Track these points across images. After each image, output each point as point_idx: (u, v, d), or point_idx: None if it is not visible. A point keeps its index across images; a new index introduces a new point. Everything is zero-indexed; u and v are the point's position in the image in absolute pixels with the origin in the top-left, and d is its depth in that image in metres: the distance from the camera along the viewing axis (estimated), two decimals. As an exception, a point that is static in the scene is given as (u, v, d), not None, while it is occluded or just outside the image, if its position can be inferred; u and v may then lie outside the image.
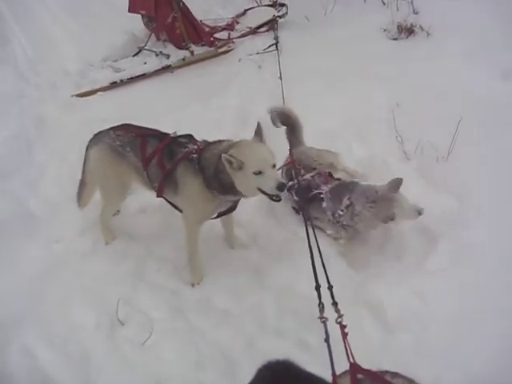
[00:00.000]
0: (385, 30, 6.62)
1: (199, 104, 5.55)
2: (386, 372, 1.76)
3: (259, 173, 2.91)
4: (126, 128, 3.58)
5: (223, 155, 2.92)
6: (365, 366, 1.79)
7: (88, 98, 6.18)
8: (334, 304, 2.24)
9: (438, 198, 3.74)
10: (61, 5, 10.01)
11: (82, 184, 3.77)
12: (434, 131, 4.11)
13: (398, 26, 6.53)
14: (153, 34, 7.21)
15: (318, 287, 2.37)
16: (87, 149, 3.63)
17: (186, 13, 6.94)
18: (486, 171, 3.78)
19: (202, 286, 3.35)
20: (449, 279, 3.05)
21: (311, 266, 2.54)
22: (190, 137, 3.41)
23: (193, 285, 3.37)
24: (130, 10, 7.04)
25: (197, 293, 3.29)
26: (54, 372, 2.82)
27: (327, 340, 1.99)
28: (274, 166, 3.00)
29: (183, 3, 6.88)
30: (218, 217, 3.38)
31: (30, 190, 4.41)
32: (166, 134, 3.50)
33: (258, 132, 3.13)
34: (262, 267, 3.34)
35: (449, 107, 4.34)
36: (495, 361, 2.54)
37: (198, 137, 3.46)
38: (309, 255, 3.38)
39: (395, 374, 1.75)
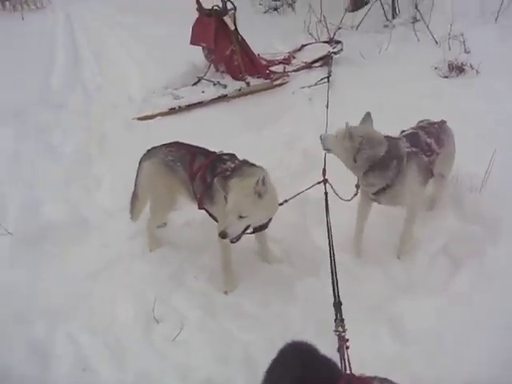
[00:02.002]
0: (436, 68, 6.80)
1: (252, 133, 5.86)
2: (375, 378, 1.94)
3: None
4: (177, 145, 3.92)
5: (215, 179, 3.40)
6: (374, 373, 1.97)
7: (148, 121, 6.61)
8: (340, 320, 2.41)
9: (467, 226, 3.90)
10: (130, 35, 10.77)
11: (134, 196, 4.08)
12: (473, 163, 4.21)
13: (448, 65, 6.72)
14: (212, 65, 7.64)
15: (335, 304, 2.56)
16: (140, 162, 3.98)
17: (243, 46, 7.36)
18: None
19: (234, 293, 3.58)
20: (468, 302, 3.18)
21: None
22: (232, 155, 3.70)
23: (226, 292, 3.60)
24: (191, 42, 7.52)
25: (229, 299, 3.53)
26: (93, 358, 3.10)
27: (339, 350, 2.17)
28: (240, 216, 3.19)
29: (242, 37, 7.30)
30: (252, 232, 3.61)
31: (87, 198, 4.81)
32: (213, 152, 3.79)
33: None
34: (291, 280, 3.54)
35: (489, 139, 4.46)
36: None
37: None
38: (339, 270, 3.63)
39: (384, 380, 1.92)
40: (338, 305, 2.53)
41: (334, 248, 3.85)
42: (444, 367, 2.80)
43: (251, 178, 3.23)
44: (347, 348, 2.20)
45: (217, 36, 7.17)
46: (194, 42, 7.52)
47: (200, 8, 7.38)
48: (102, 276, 3.76)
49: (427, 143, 3.73)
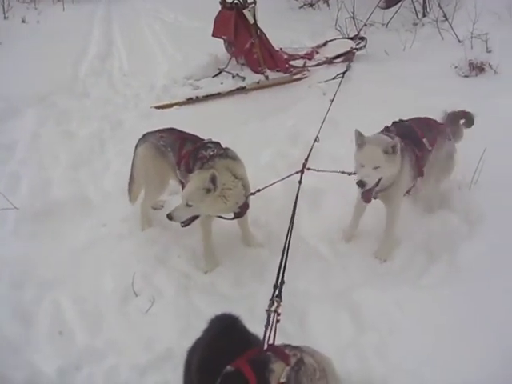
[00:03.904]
0: (456, 67, 6.77)
1: (258, 122, 6.03)
2: (288, 346, 2.09)
3: None
4: (169, 131, 4.13)
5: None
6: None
7: (164, 110, 6.83)
8: (277, 298, 2.54)
9: (451, 222, 3.97)
10: (166, 29, 11.07)
11: (131, 179, 4.30)
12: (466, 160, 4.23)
13: (469, 64, 6.68)
14: (233, 58, 7.80)
15: (275, 285, 2.68)
16: (136, 147, 4.20)
17: (263, 40, 7.50)
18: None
19: (212, 273, 3.77)
20: (433, 295, 3.27)
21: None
22: (217, 144, 3.88)
23: (206, 272, 3.79)
24: (213, 35, 7.73)
25: (206, 278, 3.73)
26: (70, 323, 3.38)
27: (266, 326, 2.30)
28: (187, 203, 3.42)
29: (261, 31, 7.44)
30: (232, 218, 3.80)
31: (93, 180, 5.08)
32: (201, 140, 3.98)
33: None
34: (267, 264, 3.69)
35: (497, 142, 4.43)
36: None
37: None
38: (310, 257, 3.77)
39: (296, 348, 2.07)
40: (278, 285, 2.64)
41: (319, 237, 4.06)
42: (395, 357, 2.89)
43: (208, 172, 3.40)
44: (278, 322, 2.34)
45: (236, 29, 7.34)
46: (215, 34, 7.72)
47: (222, 1, 7.56)
48: (93, 251, 4.02)
49: (418, 137, 3.73)
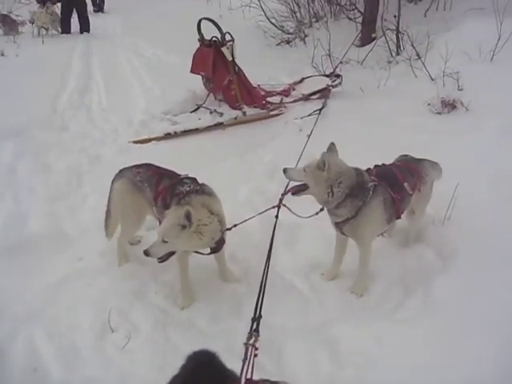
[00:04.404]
0: (429, 105, 6.93)
1: (236, 158, 6.12)
2: (266, 381, 2.11)
3: None
4: (146, 166, 4.18)
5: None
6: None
7: (143, 145, 6.85)
8: (255, 332, 2.58)
9: (425, 257, 4.04)
10: (145, 64, 11.20)
11: (108, 214, 4.31)
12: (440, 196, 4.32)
13: (441, 101, 6.84)
14: (211, 94, 7.90)
15: (253, 318, 2.73)
16: (112, 182, 4.23)
17: (241, 76, 7.62)
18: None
19: (190, 309, 3.78)
20: (408, 329, 3.31)
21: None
22: (193, 179, 3.94)
23: (183, 308, 3.79)
24: (191, 71, 7.80)
25: (182, 314, 3.73)
26: (46, 359, 3.34)
27: (243, 360, 2.32)
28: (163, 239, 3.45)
29: (239, 68, 7.57)
30: (209, 253, 3.83)
31: (70, 214, 5.07)
32: (178, 175, 4.03)
33: None
34: (245, 299, 3.70)
35: (469, 177, 4.56)
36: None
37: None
38: (287, 292, 3.79)
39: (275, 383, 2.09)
40: (255, 319, 2.66)
41: (296, 272, 4.09)
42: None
43: (183, 208, 3.43)
44: (255, 356, 2.35)
45: (215, 66, 7.43)
46: (193, 70, 7.81)
47: (201, 38, 7.69)
48: (70, 286, 4.00)
49: (398, 181, 3.79)
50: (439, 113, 6.83)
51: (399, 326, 3.38)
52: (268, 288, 3.60)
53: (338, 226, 3.73)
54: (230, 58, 7.38)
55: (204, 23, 7.61)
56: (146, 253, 3.47)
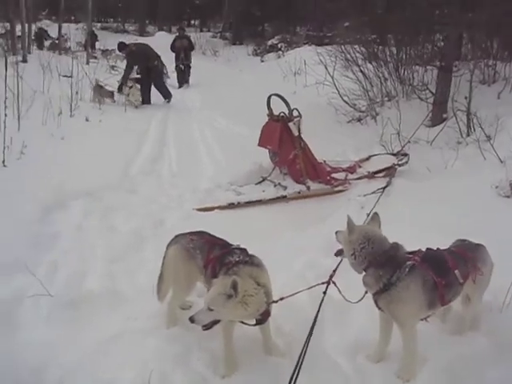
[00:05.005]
0: (497, 187, 6.79)
1: (295, 231, 6.21)
2: None
3: None
4: (200, 234, 4.33)
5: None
6: None
7: (206, 213, 7.05)
8: None
9: (477, 346, 3.87)
10: (218, 134, 11.66)
11: (161, 278, 4.43)
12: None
13: (510, 184, 6.69)
14: (276, 167, 8.09)
15: None
16: (167, 247, 4.40)
17: (306, 152, 7.80)
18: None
19: (230, 378, 3.75)
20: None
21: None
22: (243, 250, 4.02)
23: (223, 377, 3.76)
24: (259, 144, 8.08)
25: (223, 383, 3.71)
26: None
27: None
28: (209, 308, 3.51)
29: (305, 143, 7.76)
30: (255, 325, 3.84)
31: (128, 275, 5.25)
32: (229, 245, 4.15)
33: None
34: (286, 374, 3.57)
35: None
36: None
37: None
38: (330, 371, 3.72)
39: None
40: None
41: (341, 351, 4.01)
42: None
43: (230, 278, 3.49)
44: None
45: (281, 140, 7.68)
46: (261, 144, 8.08)
47: (270, 113, 7.97)
48: (118, 344, 4.07)
49: (446, 266, 3.69)
50: (508, 196, 6.66)
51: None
52: (310, 365, 3.58)
53: (373, 298, 3.69)
54: (297, 133, 7.61)
55: (274, 99, 7.90)
56: (191, 320, 3.54)
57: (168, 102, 15.82)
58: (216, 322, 3.60)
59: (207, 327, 3.60)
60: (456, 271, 3.66)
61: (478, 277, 3.81)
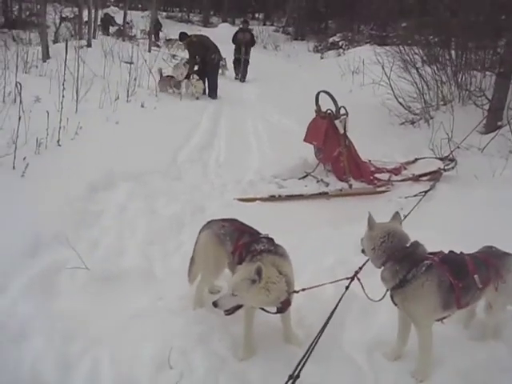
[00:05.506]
0: (545, 199, 6.66)
1: (331, 228, 6.29)
2: None
3: None
4: (231, 221, 4.47)
5: None
6: None
7: (247, 203, 7.20)
8: None
9: (498, 350, 3.88)
10: (268, 127, 11.84)
11: (192, 261, 4.62)
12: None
13: (559, 197, 6.56)
14: (320, 164, 8.16)
15: (291, 376, 2.92)
16: (200, 232, 4.58)
17: (351, 150, 7.83)
18: None
19: (247, 362, 3.88)
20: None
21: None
22: (270, 239, 4.14)
23: (241, 359, 3.90)
24: (304, 140, 8.18)
25: (239, 365, 3.85)
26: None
27: None
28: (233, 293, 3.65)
29: (350, 141, 7.79)
30: (275, 313, 3.94)
31: (163, 257, 5.47)
32: (258, 234, 4.28)
33: None
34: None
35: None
36: None
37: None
38: (343, 363, 3.80)
39: None
40: (293, 376, 2.75)
41: (359, 345, 4.07)
42: None
43: (255, 264, 3.62)
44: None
45: (326, 137, 7.76)
46: (306, 139, 8.17)
47: (318, 110, 8.04)
48: (144, 320, 4.26)
49: (465, 269, 3.70)
50: (555, 209, 6.52)
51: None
52: (323, 356, 3.68)
53: (390, 294, 3.75)
54: (342, 131, 7.64)
55: (324, 96, 7.96)
56: (215, 304, 3.69)
57: (212, 98, 15.45)
58: (238, 307, 3.74)
59: (229, 312, 3.75)
60: (475, 276, 3.66)
61: (501, 285, 3.79)
